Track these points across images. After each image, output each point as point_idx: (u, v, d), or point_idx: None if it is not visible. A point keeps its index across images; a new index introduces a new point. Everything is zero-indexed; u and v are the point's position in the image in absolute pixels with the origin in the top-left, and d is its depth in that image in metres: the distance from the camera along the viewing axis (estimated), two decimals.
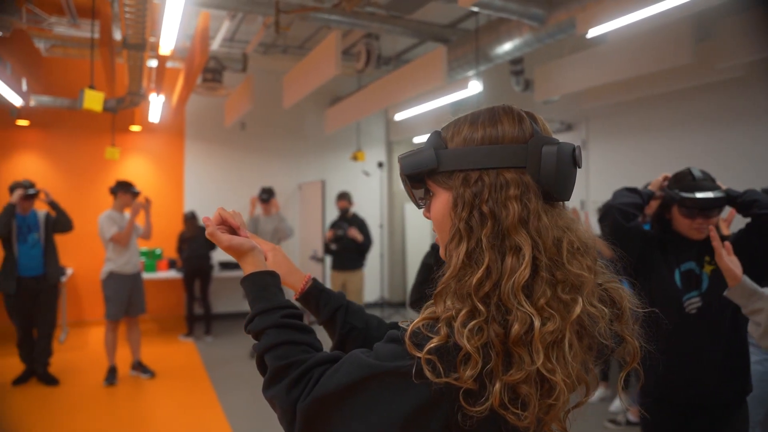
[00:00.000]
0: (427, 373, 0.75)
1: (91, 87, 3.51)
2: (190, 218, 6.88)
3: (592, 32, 3.45)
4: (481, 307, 0.77)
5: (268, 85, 7.44)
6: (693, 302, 1.99)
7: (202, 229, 6.86)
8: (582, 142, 5.74)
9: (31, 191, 4.69)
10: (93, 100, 3.46)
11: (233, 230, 1.05)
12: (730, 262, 1.76)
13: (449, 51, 5.21)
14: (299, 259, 8.22)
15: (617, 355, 0.90)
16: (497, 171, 0.83)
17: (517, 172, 0.83)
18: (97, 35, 4.34)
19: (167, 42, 3.71)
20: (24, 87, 5.88)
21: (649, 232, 2.20)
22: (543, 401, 0.76)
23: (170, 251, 7.38)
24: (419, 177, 0.90)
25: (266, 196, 6.32)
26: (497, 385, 0.74)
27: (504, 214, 0.80)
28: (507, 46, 4.60)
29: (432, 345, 0.76)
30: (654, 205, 2.25)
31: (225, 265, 7.43)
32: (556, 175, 0.82)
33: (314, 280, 1.19)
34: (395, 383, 0.77)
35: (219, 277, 7.35)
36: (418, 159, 0.89)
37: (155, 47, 4.67)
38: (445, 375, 0.74)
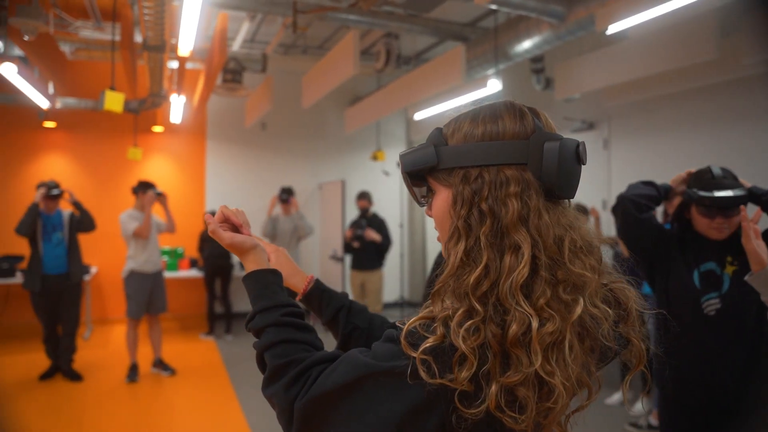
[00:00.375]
0: (422, 374, 0.73)
1: (112, 88, 3.56)
2: None
3: (612, 28, 3.39)
4: (478, 306, 0.75)
5: (288, 86, 7.48)
6: (712, 303, 1.93)
7: None
8: (604, 141, 5.65)
9: (55, 191, 4.78)
10: (113, 101, 3.52)
11: (236, 228, 1.05)
12: (757, 245, 1.69)
13: (468, 49, 5.18)
14: (319, 259, 8.25)
15: (623, 357, 0.88)
16: (498, 168, 0.82)
17: (517, 169, 0.81)
18: (118, 38, 4.41)
19: (186, 43, 3.75)
20: (51, 90, 6.02)
21: (668, 230, 2.14)
22: (541, 404, 0.74)
23: (192, 250, 7.47)
24: (420, 174, 0.89)
25: (285, 196, 6.36)
26: (494, 387, 0.72)
27: (503, 212, 0.79)
28: (526, 44, 4.55)
29: (427, 345, 0.75)
30: (677, 203, 2.20)
31: None
32: (558, 172, 0.81)
33: (317, 281, 1.20)
34: (390, 383, 0.76)
35: (240, 276, 7.40)
36: (418, 156, 0.88)
37: (175, 49, 4.73)
38: (439, 376, 0.73)
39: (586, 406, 0.81)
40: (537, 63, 5.74)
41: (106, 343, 6.39)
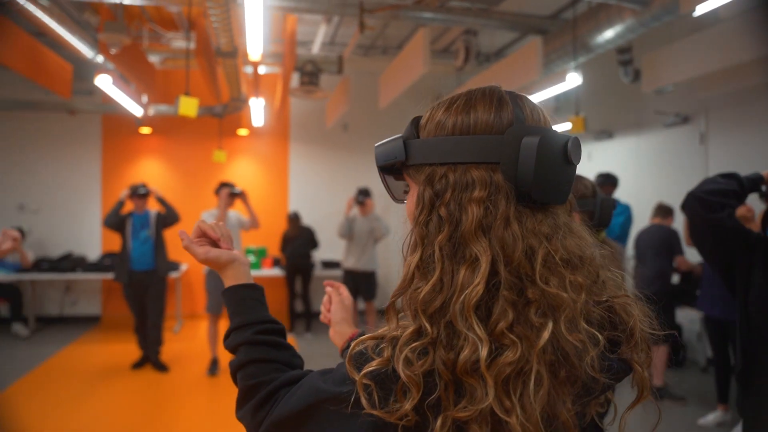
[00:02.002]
0: (363, 402, 0.65)
1: (186, 94, 3.72)
2: (293, 218, 7.12)
3: (699, 9, 3.05)
4: (428, 326, 0.65)
5: (367, 87, 7.49)
6: None
7: (305, 229, 7.09)
8: (700, 136, 5.16)
9: (141, 190, 5.11)
10: (187, 106, 3.67)
11: (215, 243, 1.00)
12: None
13: (547, 43, 4.92)
14: (400, 260, 8.19)
15: (634, 383, 0.75)
16: (465, 167, 0.71)
17: (487, 170, 0.70)
18: (193, 46, 4.61)
19: (255, 48, 3.83)
20: (144, 99, 6.43)
21: (752, 233, 1.87)
22: None
23: (275, 250, 7.68)
24: (395, 169, 0.80)
25: (362, 197, 6.37)
26: (439, 421, 0.62)
27: (463, 219, 0.68)
28: (608, 34, 4.24)
29: (370, 369, 0.66)
30: None
31: (327, 264, 7.60)
32: (534, 173, 0.68)
33: (362, 333, 1.17)
34: (338, 411, 0.68)
35: (320, 276, 7.53)
36: (387, 150, 0.80)
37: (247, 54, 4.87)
38: (380, 405, 0.64)
39: None
40: (624, 54, 5.36)
41: (193, 337, 6.72)
